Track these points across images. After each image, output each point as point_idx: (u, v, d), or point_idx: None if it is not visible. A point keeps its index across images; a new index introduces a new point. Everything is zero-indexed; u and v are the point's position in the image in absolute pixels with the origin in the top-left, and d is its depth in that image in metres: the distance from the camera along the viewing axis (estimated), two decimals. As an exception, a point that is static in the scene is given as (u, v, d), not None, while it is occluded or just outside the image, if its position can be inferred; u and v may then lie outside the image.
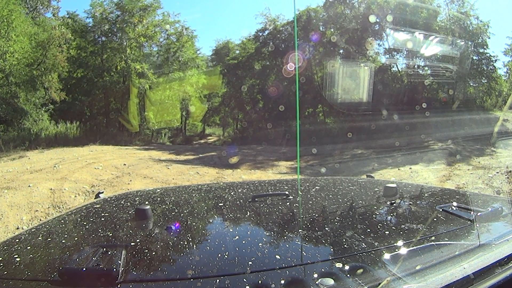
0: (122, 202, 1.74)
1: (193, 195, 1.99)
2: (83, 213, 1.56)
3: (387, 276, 0.86)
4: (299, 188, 1.96)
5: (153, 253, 1.07)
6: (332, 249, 1.11)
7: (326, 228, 1.27)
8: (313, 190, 1.94)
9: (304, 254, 1.05)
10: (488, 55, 19.31)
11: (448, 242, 1.06)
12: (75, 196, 6.69)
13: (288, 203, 1.56)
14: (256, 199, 1.58)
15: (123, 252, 0.97)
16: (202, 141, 26.72)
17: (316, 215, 1.49)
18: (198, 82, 22.10)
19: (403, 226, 1.26)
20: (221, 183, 2.59)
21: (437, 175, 8.70)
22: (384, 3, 19.00)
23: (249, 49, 24.46)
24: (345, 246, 1.08)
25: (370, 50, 19.94)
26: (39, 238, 1.25)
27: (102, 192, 1.97)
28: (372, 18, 18.91)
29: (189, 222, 1.41)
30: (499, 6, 24.92)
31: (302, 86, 19.91)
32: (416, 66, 20.10)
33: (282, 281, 0.87)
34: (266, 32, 23.31)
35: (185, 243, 1.16)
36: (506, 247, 0.99)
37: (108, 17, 20.69)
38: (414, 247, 1.01)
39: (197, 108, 22.49)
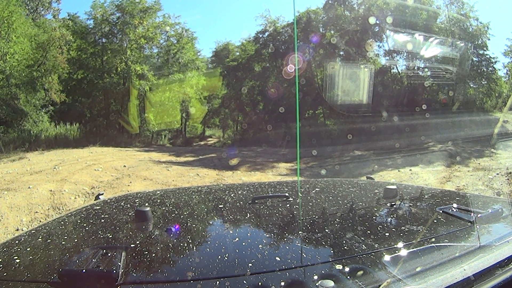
0: (122, 203, 1.74)
1: (193, 197, 1.99)
2: (83, 215, 1.56)
3: (387, 278, 0.86)
4: (299, 190, 1.96)
5: (153, 254, 1.07)
6: (332, 251, 1.11)
7: (326, 230, 1.27)
8: (313, 192, 1.94)
9: (304, 256, 1.05)
10: (488, 56, 19.36)
11: (448, 244, 1.06)
12: (75, 198, 6.69)
13: (288, 205, 1.56)
14: (256, 201, 1.58)
15: (123, 253, 0.97)
16: (202, 142, 26.75)
17: (316, 216, 1.49)
18: (198, 83, 22.15)
19: (403, 227, 1.26)
20: (221, 185, 2.59)
21: (437, 177, 8.70)
22: (384, 5, 19.05)
23: (249, 51, 24.51)
24: (345, 247, 1.08)
25: (370, 52, 19.97)
26: (39, 239, 1.25)
27: (102, 194, 1.96)
28: (372, 20, 18.95)
29: (189, 224, 1.41)
30: (499, 7, 24.99)
31: (302, 88, 19.93)
32: (416, 68, 20.14)
33: (282, 283, 0.87)
34: (266, 33, 23.37)
35: (185, 245, 1.16)
36: (506, 249, 0.99)
37: (109, 18, 20.76)
38: (414, 249, 1.01)
39: (197, 109, 22.52)
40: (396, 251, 1.01)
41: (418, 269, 0.90)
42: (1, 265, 1.00)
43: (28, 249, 1.17)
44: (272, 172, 10.68)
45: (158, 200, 1.86)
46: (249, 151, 16.19)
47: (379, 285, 0.82)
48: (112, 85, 20.50)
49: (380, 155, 12.75)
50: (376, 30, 20.35)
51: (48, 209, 5.97)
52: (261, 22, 26.14)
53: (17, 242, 1.22)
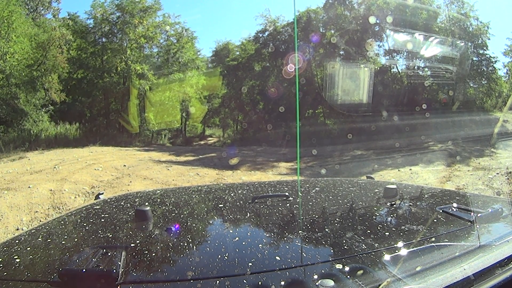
0: (122, 203, 1.74)
1: (193, 196, 1.99)
2: (83, 214, 1.56)
3: (387, 277, 0.86)
4: (299, 189, 1.95)
5: (153, 254, 1.07)
6: (332, 250, 1.11)
7: (326, 229, 1.27)
8: (313, 191, 1.94)
9: (304, 255, 1.05)
10: (488, 56, 19.34)
11: (448, 243, 1.06)
12: (75, 197, 6.69)
13: (288, 204, 1.56)
14: (256, 200, 1.58)
15: (123, 253, 0.97)
16: (202, 142, 26.73)
17: (316, 216, 1.49)
18: (198, 83, 22.15)
19: (403, 227, 1.26)
20: (221, 184, 2.59)
21: (437, 176, 8.70)
22: (384, 5, 19.03)
23: (249, 50, 24.49)
24: (345, 247, 1.08)
25: (370, 51, 19.96)
26: (39, 239, 1.25)
27: (102, 193, 1.96)
28: (372, 20, 18.93)
29: (189, 223, 1.41)
30: (499, 7, 24.97)
31: (302, 87, 19.92)
32: (416, 67, 20.13)
33: (282, 283, 0.87)
34: (266, 33, 23.35)
35: (185, 244, 1.16)
36: (506, 248, 0.99)
37: (109, 18, 20.76)
38: (414, 248, 1.01)
39: (197, 109, 22.52)
40: (396, 251, 1.01)
41: (418, 269, 0.90)
42: (1, 265, 1.00)
43: (28, 248, 1.17)
44: (272, 172, 10.68)
45: (158, 200, 1.86)
46: (249, 151, 16.20)
47: (379, 285, 0.82)
48: (112, 84, 20.50)
49: (380, 155, 12.75)
50: (376, 29, 20.34)
51: (48, 208, 5.97)
52: (261, 22, 26.12)
53: (17, 241, 1.22)
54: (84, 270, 0.86)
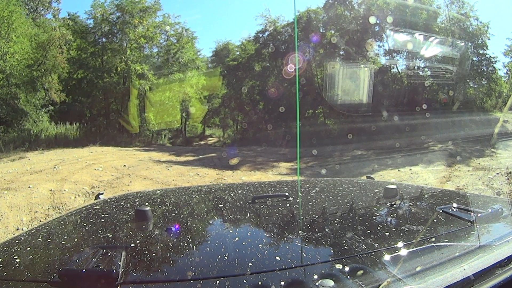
0: (122, 203, 1.74)
1: (193, 196, 1.99)
2: (83, 214, 1.56)
3: (387, 277, 0.86)
4: (299, 190, 1.95)
5: (153, 254, 1.07)
6: (332, 251, 1.11)
7: (326, 230, 1.27)
8: (313, 191, 1.94)
9: (304, 255, 1.05)
10: (488, 56, 19.34)
11: (448, 243, 1.06)
12: (75, 197, 6.69)
13: (288, 205, 1.55)
14: (256, 201, 1.58)
15: (123, 253, 0.97)
16: (202, 142, 26.74)
17: (316, 216, 1.48)
18: (198, 83, 22.16)
19: (403, 227, 1.26)
20: (221, 185, 2.59)
21: (437, 176, 8.70)
22: (384, 5, 19.03)
23: (249, 50, 24.50)
24: (345, 247, 1.08)
25: (370, 52, 19.96)
26: (39, 239, 1.25)
27: (102, 193, 1.96)
28: (372, 20, 18.94)
29: (189, 223, 1.41)
30: (499, 7, 24.96)
31: (302, 88, 19.93)
32: (416, 67, 20.13)
33: (282, 283, 0.87)
34: (266, 33, 23.36)
35: (185, 244, 1.16)
36: (506, 248, 0.99)
37: (109, 18, 20.76)
38: (414, 248, 1.01)
39: (197, 109, 22.52)
40: (396, 251, 1.01)
41: (418, 269, 0.89)
42: (1, 265, 1.00)
43: (28, 248, 1.17)
44: (272, 172, 10.68)
45: (158, 200, 1.86)
46: (249, 151, 16.20)
47: (379, 285, 0.82)
48: (112, 84, 20.50)
49: (380, 155, 12.75)
50: (376, 29, 20.36)
51: (48, 208, 5.98)
52: (261, 22, 26.14)
53: (17, 241, 1.22)
54: (84, 270, 0.86)
